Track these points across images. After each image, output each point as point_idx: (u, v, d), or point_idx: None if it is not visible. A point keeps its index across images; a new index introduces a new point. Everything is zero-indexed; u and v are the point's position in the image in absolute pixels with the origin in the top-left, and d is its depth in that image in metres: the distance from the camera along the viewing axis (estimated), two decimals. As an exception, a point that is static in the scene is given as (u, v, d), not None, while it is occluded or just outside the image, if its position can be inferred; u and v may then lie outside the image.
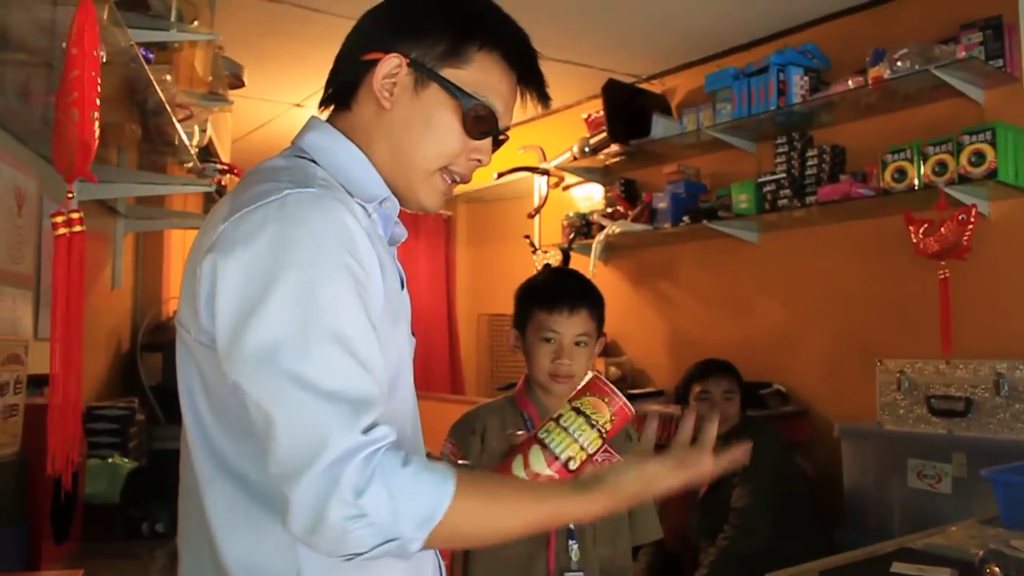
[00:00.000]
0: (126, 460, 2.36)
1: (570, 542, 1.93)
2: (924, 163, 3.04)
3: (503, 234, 5.60)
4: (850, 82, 3.26)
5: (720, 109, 3.71)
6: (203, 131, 2.87)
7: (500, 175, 4.61)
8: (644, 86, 4.28)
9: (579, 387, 1.22)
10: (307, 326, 0.95)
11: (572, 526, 1.93)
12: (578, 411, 1.20)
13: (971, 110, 3.08)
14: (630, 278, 4.44)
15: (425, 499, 0.94)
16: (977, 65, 2.95)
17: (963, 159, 2.94)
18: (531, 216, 4.81)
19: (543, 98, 1.25)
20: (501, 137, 1.22)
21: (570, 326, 1.95)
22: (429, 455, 1.31)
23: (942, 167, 3.00)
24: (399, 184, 1.18)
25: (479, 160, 1.20)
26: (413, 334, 1.25)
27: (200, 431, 1.08)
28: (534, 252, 4.59)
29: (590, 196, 4.66)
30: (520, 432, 1.27)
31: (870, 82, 3.17)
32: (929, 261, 3.07)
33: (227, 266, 0.98)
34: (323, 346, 0.95)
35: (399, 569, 1.13)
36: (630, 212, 4.13)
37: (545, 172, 4.59)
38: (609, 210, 4.30)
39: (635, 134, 4.00)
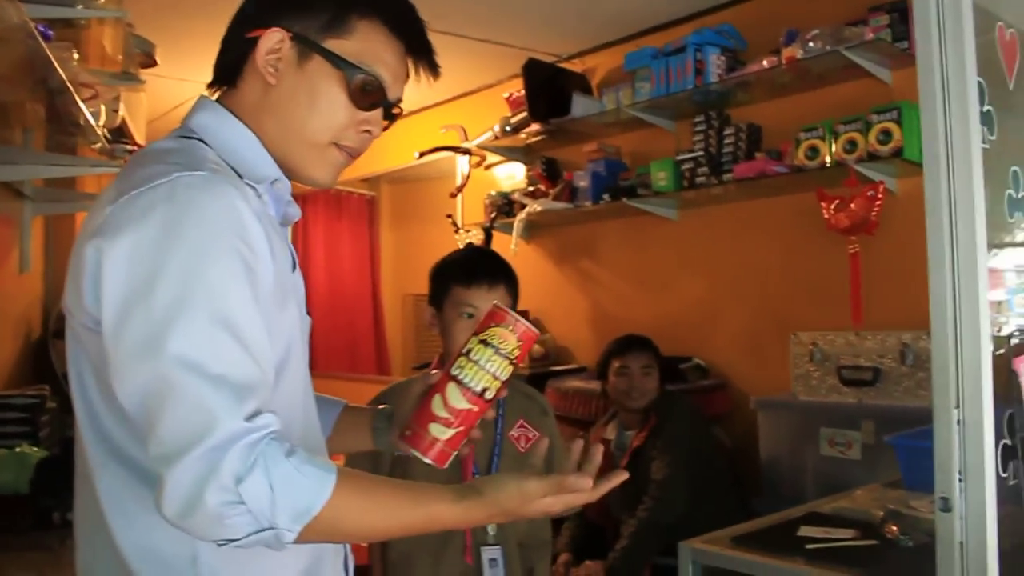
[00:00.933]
0: (35, 449, 2.29)
1: (487, 517, 1.94)
2: (835, 141, 3.12)
3: (426, 214, 5.58)
4: (765, 62, 3.32)
5: (639, 88, 3.75)
6: (114, 111, 2.79)
7: (421, 155, 4.60)
8: (565, 65, 4.30)
9: (483, 320, 1.23)
10: (194, 311, 0.94)
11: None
12: (485, 343, 1.21)
13: (880, 90, 3.17)
14: (552, 256, 4.47)
15: (304, 492, 0.94)
16: (884, 46, 3.02)
17: (872, 137, 3.02)
18: (453, 195, 4.80)
19: (433, 68, 1.25)
20: (395, 110, 1.22)
21: (488, 300, 1.94)
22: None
23: (852, 145, 3.08)
24: (290, 160, 1.17)
25: (369, 132, 1.18)
26: (309, 314, 1.24)
27: (90, 416, 1.07)
28: (456, 231, 4.59)
29: (512, 175, 4.67)
30: (434, 371, 1.28)
31: (784, 62, 3.23)
32: (840, 236, 3.16)
33: (113, 250, 0.96)
34: (210, 331, 0.94)
35: (305, 557, 1.14)
36: (551, 191, 4.15)
37: (467, 151, 4.58)
38: (531, 189, 4.32)
39: (556, 113, 4.01)
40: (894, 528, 1.90)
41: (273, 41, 1.13)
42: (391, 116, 1.22)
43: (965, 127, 1.54)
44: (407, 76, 1.23)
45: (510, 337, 1.22)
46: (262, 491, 0.91)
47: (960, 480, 1.52)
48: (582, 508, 3.15)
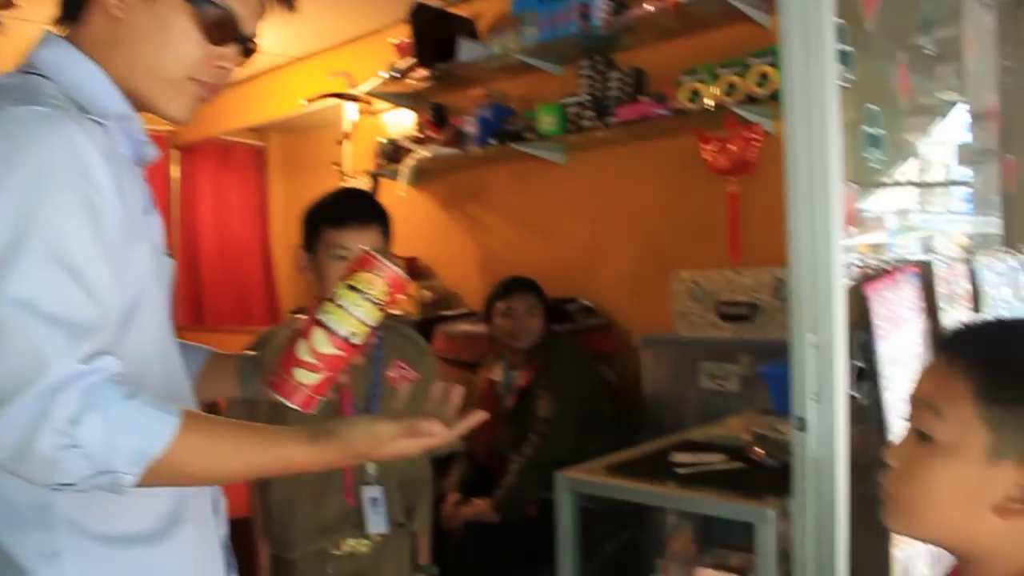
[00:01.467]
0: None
1: (365, 454, 1.96)
2: (716, 84, 3.18)
3: (316, 163, 5.48)
4: (648, 6, 3.34)
5: (526, 32, 3.73)
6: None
7: (308, 102, 4.51)
8: (452, 10, 4.25)
9: (350, 265, 1.22)
10: (29, 248, 0.92)
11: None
12: (352, 287, 1.20)
13: (758, 34, 3.23)
14: (441, 202, 4.47)
15: (143, 434, 0.93)
16: (764, -9, 3.09)
17: (750, 80, 3.09)
18: (340, 143, 4.73)
19: (287, 2, 1.22)
20: (251, 45, 1.20)
21: (361, 241, 1.94)
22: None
23: (732, 88, 3.14)
24: (144, 96, 1.13)
25: (224, 68, 1.16)
26: (171, 256, 1.22)
27: None
28: (344, 179, 4.53)
29: (400, 122, 4.62)
30: (299, 315, 1.27)
31: (668, 6, 3.26)
32: (720, 177, 3.24)
33: None
34: (46, 269, 0.92)
35: (165, 499, 1.13)
36: (439, 136, 4.13)
37: (354, 98, 4.52)
38: (419, 135, 4.29)
39: (443, 58, 3.98)
40: (759, 450, 2.00)
41: None
42: (247, 51, 1.20)
43: (822, 65, 1.60)
44: (263, 11, 1.20)
45: (378, 282, 1.21)
46: (97, 433, 0.90)
47: (814, 401, 1.60)
48: (470, 447, 3.20)
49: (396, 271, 1.21)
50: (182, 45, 1.12)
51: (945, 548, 1.02)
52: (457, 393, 1.16)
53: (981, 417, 0.93)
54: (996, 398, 0.93)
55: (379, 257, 1.21)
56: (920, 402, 1.00)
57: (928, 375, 1.02)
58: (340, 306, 1.20)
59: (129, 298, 1.06)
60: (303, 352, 1.19)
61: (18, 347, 0.90)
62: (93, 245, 0.97)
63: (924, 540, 1.05)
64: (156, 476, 0.95)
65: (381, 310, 1.21)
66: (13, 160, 0.94)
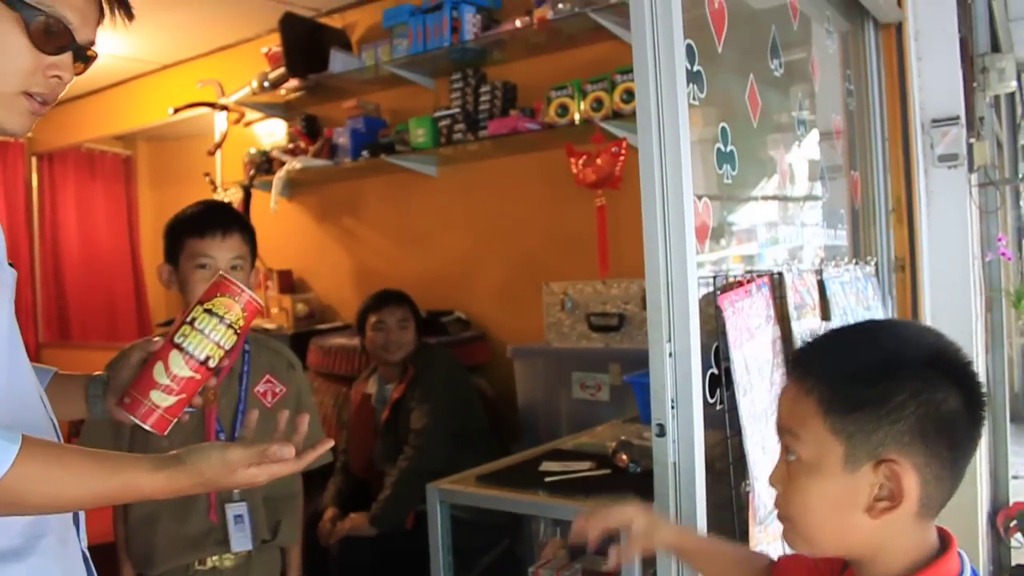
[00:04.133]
0: None
1: (231, 473, 1.94)
2: (583, 100, 3.27)
3: (186, 174, 5.34)
4: (518, 22, 3.40)
5: (397, 45, 3.74)
6: None
7: (176, 110, 4.40)
8: (324, 21, 4.23)
9: (207, 288, 1.24)
10: None
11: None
12: (210, 312, 1.22)
13: (624, 51, 3.27)
14: (314, 214, 4.43)
15: None
16: (628, 10, 3.18)
17: (616, 96, 3.19)
18: (211, 153, 4.63)
19: (127, 10, 1.19)
20: (89, 53, 1.16)
21: (224, 249, 1.94)
22: None
23: (599, 103, 3.23)
24: None
25: (59, 77, 1.12)
26: (12, 265, 1.17)
27: None
28: (215, 190, 4.44)
29: (272, 132, 4.56)
30: (156, 338, 1.26)
31: (535, 22, 3.33)
32: (588, 190, 3.31)
33: None
34: None
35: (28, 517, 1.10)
36: (311, 148, 4.10)
37: (224, 108, 4.43)
38: (291, 146, 4.25)
39: (315, 69, 3.95)
40: (624, 457, 2.06)
41: None
42: (85, 59, 1.16)
43: (672, 84, 1.67)
44: (100, 17, 1.17)
45: (235, 307, 1.24)
46: None
47: (672, 407, 1.67)
48: (346, 462, 3.19)
49: (252, 295, 1.24)
50: (11, 56, 1.07)
51: (841, 556, 1.10)
52: (304, 421, 1.17)
53: (831, 431, 1.00)
54: (839, 410, 1.00)
55: (235, 282, 1.23)
56: (782, 428, 1.07)
57: (784, 400, 1.08)
58: (198, 330, 1.22)
59: None
60: (160, 374, 1.20)
61: None
62: None
63: (824, 554, 1.12)
64: None
65: (236, 334, 1.24)
66: None
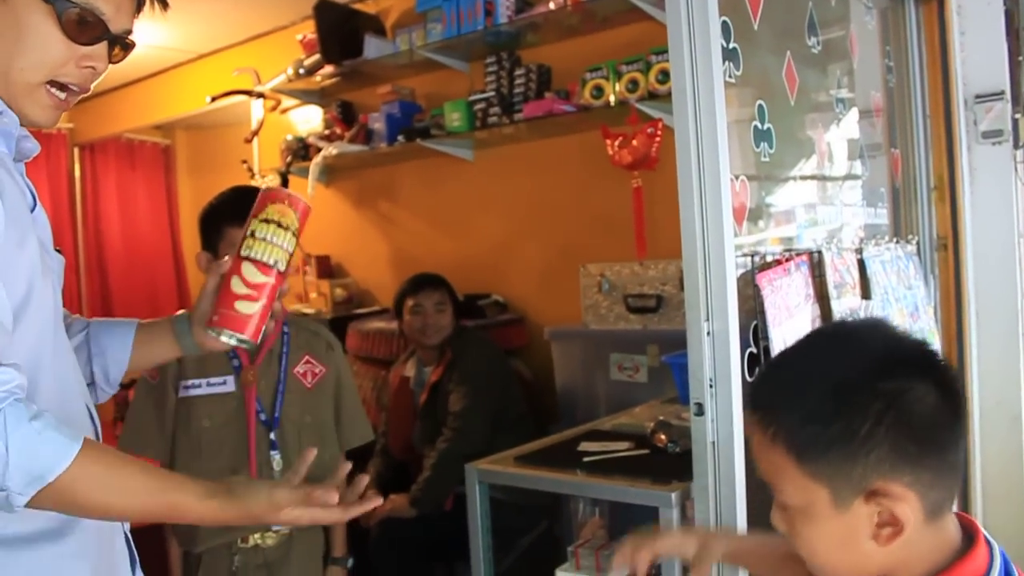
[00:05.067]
0: None
1: (272, 452, 1.97)
2: (619, 81, 3.25)
3: (224, 162, 5.40)
4: (552, 3, 3.39)
5: (431, 29, 3.75)
6: None
7: (213, 99, 4.44)
8: (358, 7, 4.24)
9: (256, 202, 1.30)
10: None
11: (273, 436, 1.97)
12: (266, 220, 1.29)
13: (659, 31, 3.26)
14: (351, 200, 4.45)
15: (42, 458, 0.94)
16: (662, -11, 3.16)
17: (651, 77, 3.17)
18: (248, 141, 4.68)
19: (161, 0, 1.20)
20: (128, 42, 1.17)
21: None
22: None
23: (634, 84, 3.21)
24: (4, 99, 1.09)
25: (92, 68, 1.12)
26: (60, 251, 1.20)
27: None
28: (252, 177, 4.48)
29: (308, 119, 4.59)
30: (224, 259, 1.33)
31: (569, 4, 3.32)
32: (624, 172, 3.30)
33: None
34: None
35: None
36: (347, 133, 4.12)
37: (260, 95, 4.47)
38: (327, 132, 4.27)
39: (349, 55, 3.97)
40: (663, 437, 2.06)
41: None
42: (124, 46, 1.17)
43: (708, 62, 1.66)
44: (138, 7, 1.18)
45: (288, 211, 1.31)
46: None
47: (711, 386, 1.67)
48: (385, 444, 3.22)
49: (300, 196, 1.31)
50: (42, 47, 1.07)
51: None
52: (363, 482, 1.19)
53: (809, 477, 0.96)
54: (810, 456, 0.95)
55: (280, 188, 1.30)
56: (763, 478, 1.03)
57: (755, 450, 1.04)
58: (260, 238, 1.29)
59: (19, 297, 1.04)
60: (238, 286, 1.28)
61: None
62: None
63: None
64: (46, 500, 0.95)
65: (295, 235, 1.32)
66: None
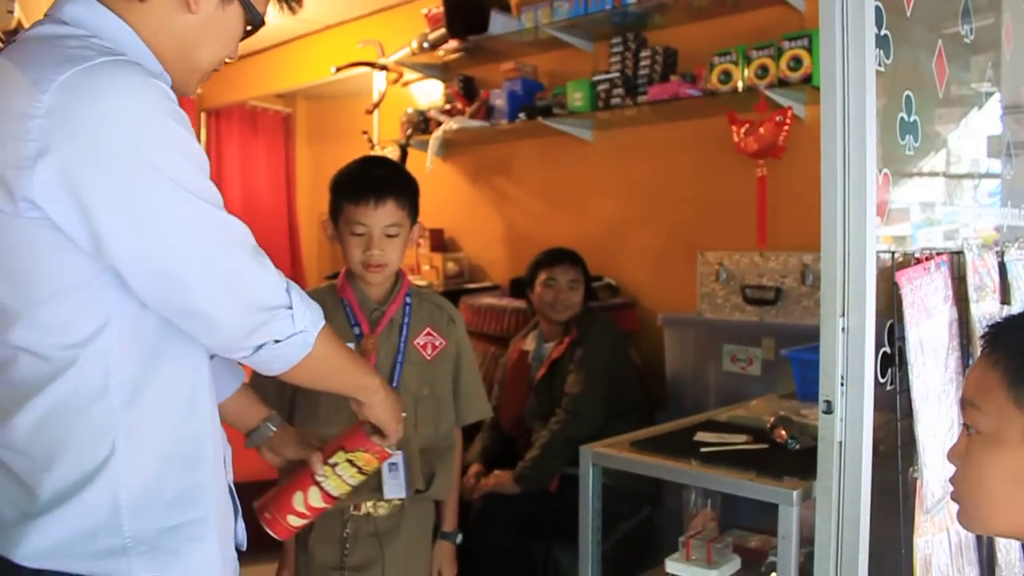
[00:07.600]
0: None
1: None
2: (748, 67, 3.17)
3: (343, 131, 5.50)
4: (682, -15, 3.34)
5: (558, 7, 3.72)
6: (9, 12, 2.70)
7: (338, 69, 4.51)
8: (484, -18, 4.24)
9: (352, 437, 1.51)
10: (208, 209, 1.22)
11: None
12: (352, 463, 1.49)
13: (792, 17, 3.21)
14: (468, 175, 4.48)
15: (313, 311, 1.25)
16: (798, -28, 3.07)
17: (782, 64, 3.08)
18: (369, 112, 4.74)
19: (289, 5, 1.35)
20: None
21: (378, 217, 1.93)
22: None
23: (764, 71, 3.13)
24: (175, 76, 1.22)
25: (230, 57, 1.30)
26: None
27: None
28: (372, 148, 4.54)
29: (429, 93, 4.63)
30: (316, 453, 1.53)
31: (700, -15, 3.26)
32: (749, 160, 3.23)
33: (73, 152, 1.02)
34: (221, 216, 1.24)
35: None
36: (468, 109, 4.14)
37: (383, 67, 4.51)
38: (447, 107, 4.30)
39: (474, 31, 3.97)
40: (783, 433, 2.01)
41: None
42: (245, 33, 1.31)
43: (861, 49, 1.60)
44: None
45: (373, 461, 1.51)
46: (299, 302, 1.23)
47: (842, 384, 1.62)
48: (495, 418, 3.21)
49: (385, 449, 1.51)
50: (230, 46, 1.26)
51: (1015, 537, 1.09)
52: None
53: (1013, 403, 0.99)
54: (1021, 382, 0.98)
55: (375, 443, 1.50)
56: (965, 401, 1.06)
57: (970, 375, 1.07)
58: (339, 476, 1.49)
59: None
60: (298, 503, 1.49)
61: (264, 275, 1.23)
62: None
63: (998, 534, 1.10)
64: (319, 345, 1.25)
65: (364, 475, 1.53)
66: (129, 113, 1.05)
